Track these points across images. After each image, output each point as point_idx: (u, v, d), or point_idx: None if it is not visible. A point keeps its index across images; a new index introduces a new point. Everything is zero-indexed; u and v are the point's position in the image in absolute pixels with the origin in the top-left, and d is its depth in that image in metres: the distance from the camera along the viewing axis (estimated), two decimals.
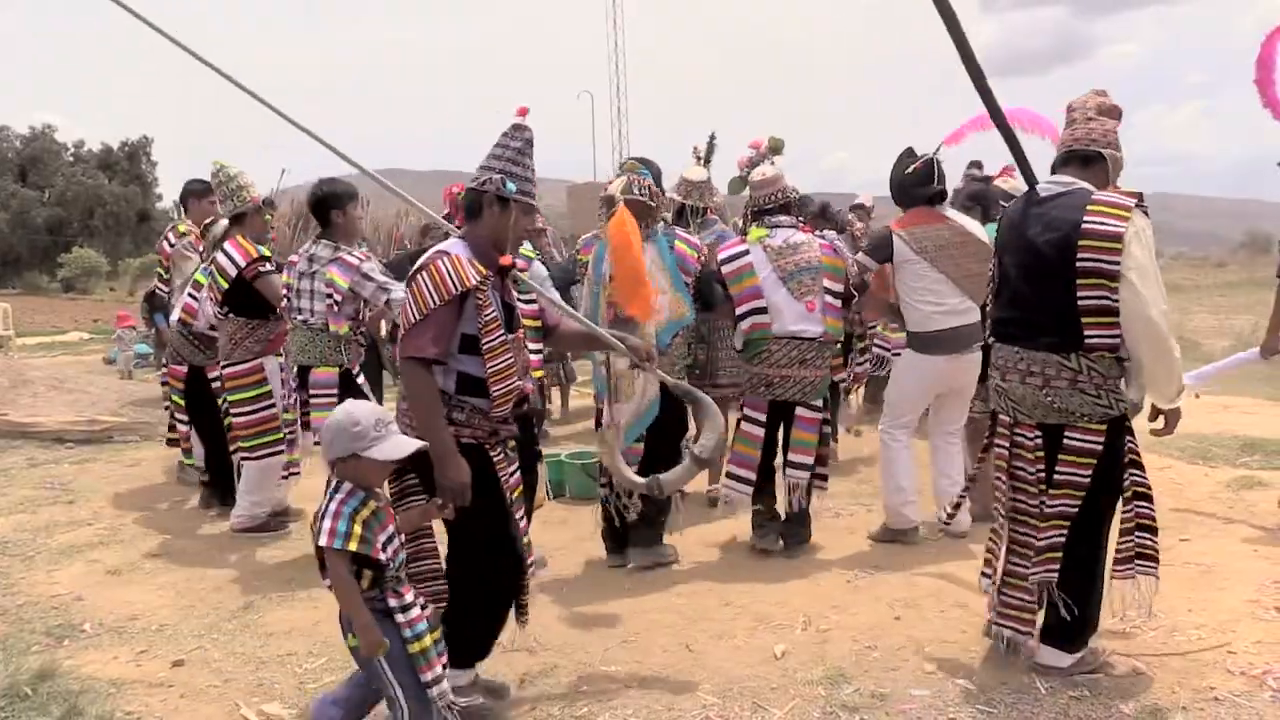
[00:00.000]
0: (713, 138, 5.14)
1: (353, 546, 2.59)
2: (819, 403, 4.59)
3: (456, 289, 2.87)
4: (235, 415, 5.09)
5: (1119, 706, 3.02)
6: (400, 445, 2.70)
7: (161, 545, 5.02)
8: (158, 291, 6.79)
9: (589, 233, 4.64)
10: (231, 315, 5.07)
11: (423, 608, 2.78)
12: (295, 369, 4.77)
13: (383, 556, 2.65)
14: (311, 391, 4.67)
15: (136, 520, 5.50)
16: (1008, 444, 3.30)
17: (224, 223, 5.77)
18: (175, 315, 5.77)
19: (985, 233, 4.75)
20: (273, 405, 5.05)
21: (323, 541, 2.61)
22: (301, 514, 5.32)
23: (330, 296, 4.58)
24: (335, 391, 4.62)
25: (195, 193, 6.27)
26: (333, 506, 2.64)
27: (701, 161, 4.98)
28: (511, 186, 3.02)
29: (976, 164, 5.98)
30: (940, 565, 4.38)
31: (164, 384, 6.35)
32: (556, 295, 4.34)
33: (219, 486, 5.64)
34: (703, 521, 5.11)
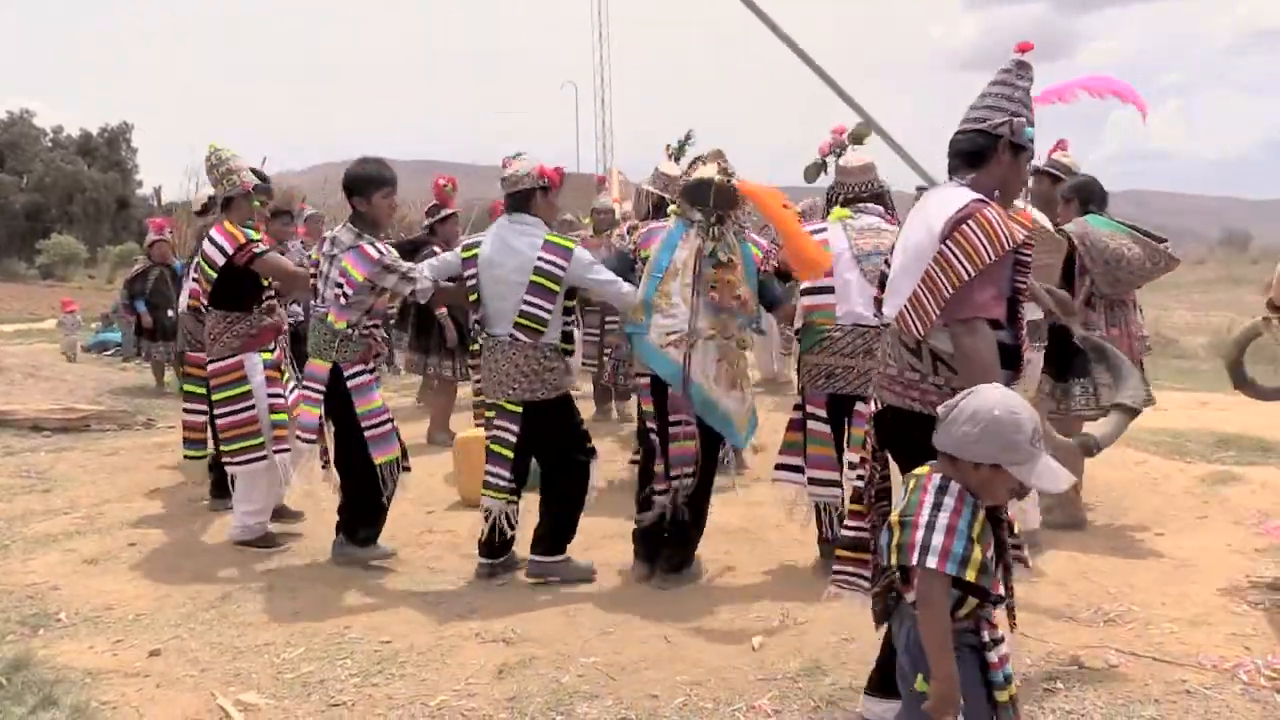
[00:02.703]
0: (689, 135, 5.12)
1: (971, 575, 2.05)
2: None
3: (1008, 243, 2.49)
4: (219, 415, 4.79)
5: (1092, 699, 3.05)
6: (1054, 475, 2.13)
7: (138, 535, 4.98)
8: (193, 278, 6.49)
9: (645, 225, 4.44)
10: (210, 309, 4.81)
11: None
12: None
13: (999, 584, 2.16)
14: (303, 383, 4.43)
15: (113, 510, 5.46)
16: None
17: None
18: (184, 301, 5.59)
19: (1049, 223, 4.51)
20: (252, 407, 4.72)
21: (931, 563, 2.06)
22: (300, 516, 5.19)
23: (340, 286, 4.29)
24: (323, 387, 4.36)
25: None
26: (944, 518, 2.09)
27: (672, 157, 4.96)
28: (1030, 132, 2.63)
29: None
30: None
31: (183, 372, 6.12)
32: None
33: (219, 484, 5.40)
34: None
